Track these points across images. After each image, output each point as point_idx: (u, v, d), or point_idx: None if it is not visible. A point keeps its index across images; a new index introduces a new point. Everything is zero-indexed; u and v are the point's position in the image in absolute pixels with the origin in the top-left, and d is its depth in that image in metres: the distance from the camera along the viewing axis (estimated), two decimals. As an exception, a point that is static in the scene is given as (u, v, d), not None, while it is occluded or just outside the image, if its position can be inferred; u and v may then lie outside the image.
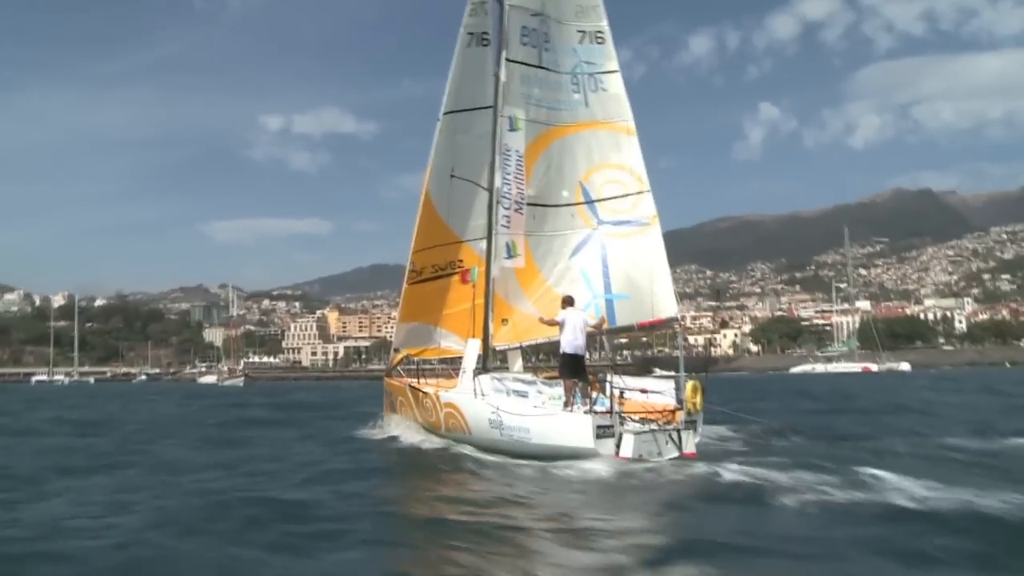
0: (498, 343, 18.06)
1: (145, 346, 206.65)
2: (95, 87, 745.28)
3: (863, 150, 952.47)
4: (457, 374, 18.09)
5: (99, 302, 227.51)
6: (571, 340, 15.69)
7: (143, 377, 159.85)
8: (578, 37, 18.33)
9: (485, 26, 18.53)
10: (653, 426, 15.18)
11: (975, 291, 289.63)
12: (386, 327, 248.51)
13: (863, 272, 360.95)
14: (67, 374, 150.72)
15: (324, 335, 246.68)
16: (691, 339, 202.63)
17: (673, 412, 15.67)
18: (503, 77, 17.96)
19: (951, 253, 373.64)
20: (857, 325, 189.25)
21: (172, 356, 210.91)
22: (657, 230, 17.82)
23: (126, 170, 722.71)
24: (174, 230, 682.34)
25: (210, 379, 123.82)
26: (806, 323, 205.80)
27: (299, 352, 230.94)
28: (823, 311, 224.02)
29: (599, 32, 18.41)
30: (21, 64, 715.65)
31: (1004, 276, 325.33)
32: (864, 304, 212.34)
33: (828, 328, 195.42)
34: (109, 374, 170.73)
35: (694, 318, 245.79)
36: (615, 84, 18.41)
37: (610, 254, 17.93)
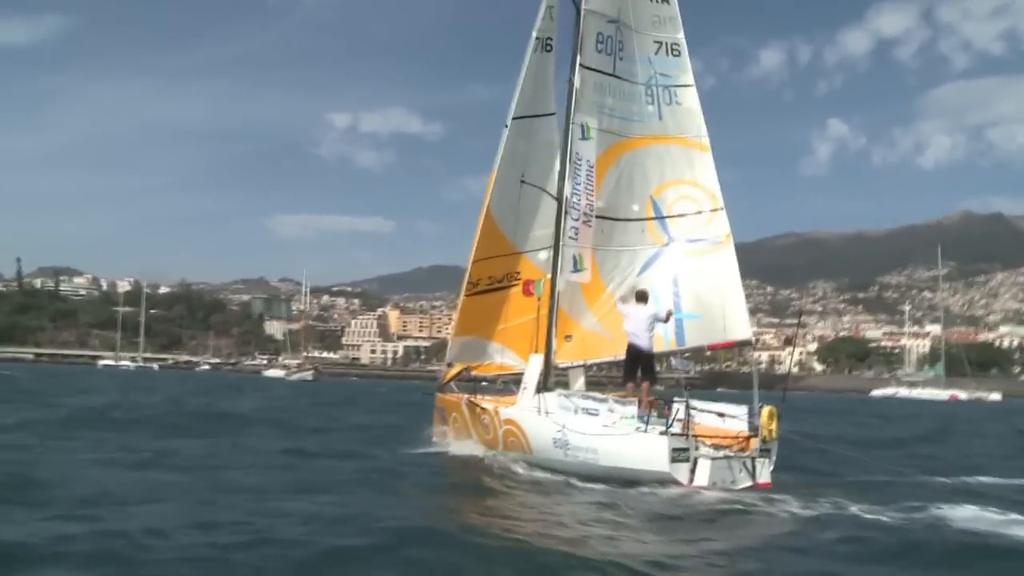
0: (560, 360, 17.40)
1: (207, 335, 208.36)
2: (170, 80, 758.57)
3: (933, 171, 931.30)
4: (514, 392, 17.33)
5: (163, 290, 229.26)
6: (639, 335, 15.40)
7: (206, 367, 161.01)
8: (654, 48, 17.66)
9: (551, 31, 18.01)
10: (728, 452, 14.52)
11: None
12: (446, 328, 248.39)
13: (928, 295, 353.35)
14: (132, 359, 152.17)
15: (384, 333, 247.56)
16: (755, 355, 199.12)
17: (748, 439, 14.94)
18: (577, 83, 17.38)
19: (1022, 280, 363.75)
20: (928, 349, 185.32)
21: (233, 347, 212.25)
22: (731, 249, 17.15)
23: (195, 162, 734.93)
24: (238, 222, 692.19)
25: (276, 372, 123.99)
26: (873, 344, 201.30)
27: (359, 349, 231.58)
28: (891, 333, 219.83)
29: (675, 44, 17.71)
30: (100, 54, 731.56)
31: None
32: (935, 328, 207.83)
33: (897, 351, 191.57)
34: (171, 361, 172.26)
35: (756, 334, 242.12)
36: (690, 98, 17.74)
37: (680, 272, 17.27)
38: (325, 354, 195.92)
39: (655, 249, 17.64)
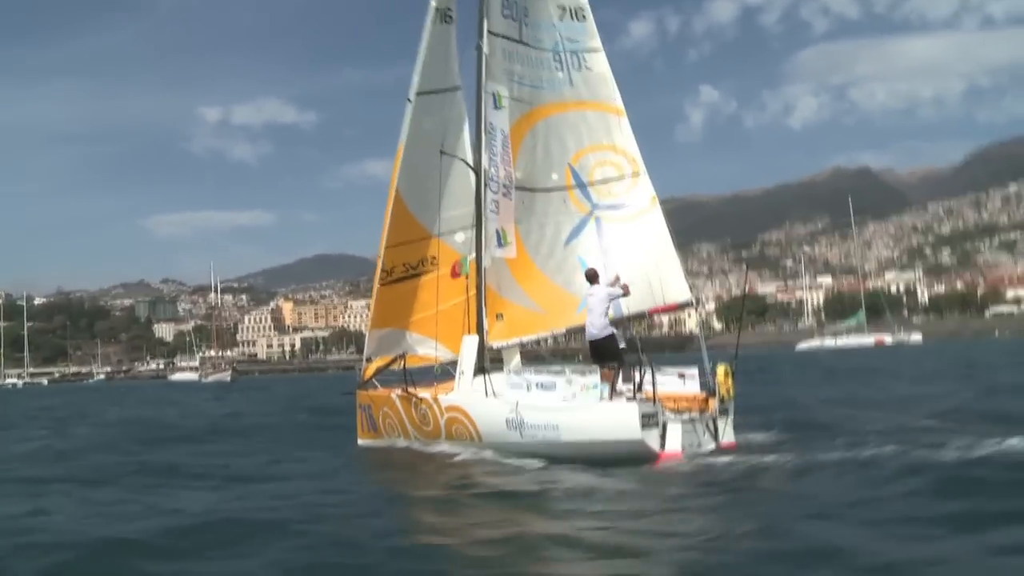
0: (494, 340, 16.53)
1: (92, 344, 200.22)
2: (29, 79, 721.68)
3: (801, 130, 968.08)
4: (448, 380, 16.26)
5: (39, 300, 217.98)
6: (592, 322, 14.62)
7: (100, 376, 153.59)
8: (558, 13, 17.00)
9: (449, 2, 17.02)
10: (692, 415, 14.07)
11: (918, 265, 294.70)
12: (342, 317, 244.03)
13: (807, 249, 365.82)
14: (19, 376, 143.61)
15: (279, 327, 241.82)
16: (657, 319, 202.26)
17: (706, 399, 14.51)
18: (486, 50, 16.58)
19: (892, 229, 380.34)
20: (822, 301, 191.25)
21: (122, 353, 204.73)
22: (659, 212, 16.77)
23: (61, 165, 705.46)
24: (112, 225, 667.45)
25: (186, 376, 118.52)
26: (771, 301, 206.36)
27: (254, 344, 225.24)
28: (783, 287, 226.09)
29: (580, 8, 17.09)
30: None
31: (945, 249, 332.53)
32: (825, 280, 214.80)
33: (793, 304, 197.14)
34: (57, 375, 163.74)
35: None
36: (600, 63, 17.19)
37: (609, 240, 16.80)
38: (225, 353, 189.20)
39: (580, 218, 17.07)
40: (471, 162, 17.14)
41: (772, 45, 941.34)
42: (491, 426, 14.50)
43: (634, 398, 13.44)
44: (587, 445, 13.15)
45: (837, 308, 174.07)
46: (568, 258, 16.92)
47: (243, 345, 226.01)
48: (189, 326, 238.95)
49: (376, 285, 17.61)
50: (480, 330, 16.30)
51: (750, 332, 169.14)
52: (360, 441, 17.65)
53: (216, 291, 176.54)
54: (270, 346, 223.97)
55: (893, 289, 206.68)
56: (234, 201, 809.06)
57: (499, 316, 16.49)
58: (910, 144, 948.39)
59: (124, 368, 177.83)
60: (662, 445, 13.09)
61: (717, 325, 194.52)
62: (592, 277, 15.16)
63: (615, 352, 14.54)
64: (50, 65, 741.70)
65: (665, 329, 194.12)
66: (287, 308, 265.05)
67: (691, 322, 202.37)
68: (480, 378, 15.17)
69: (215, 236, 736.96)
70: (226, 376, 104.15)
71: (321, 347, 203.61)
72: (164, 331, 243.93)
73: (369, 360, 17.97)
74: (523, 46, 16.93)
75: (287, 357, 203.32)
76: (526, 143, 17.02)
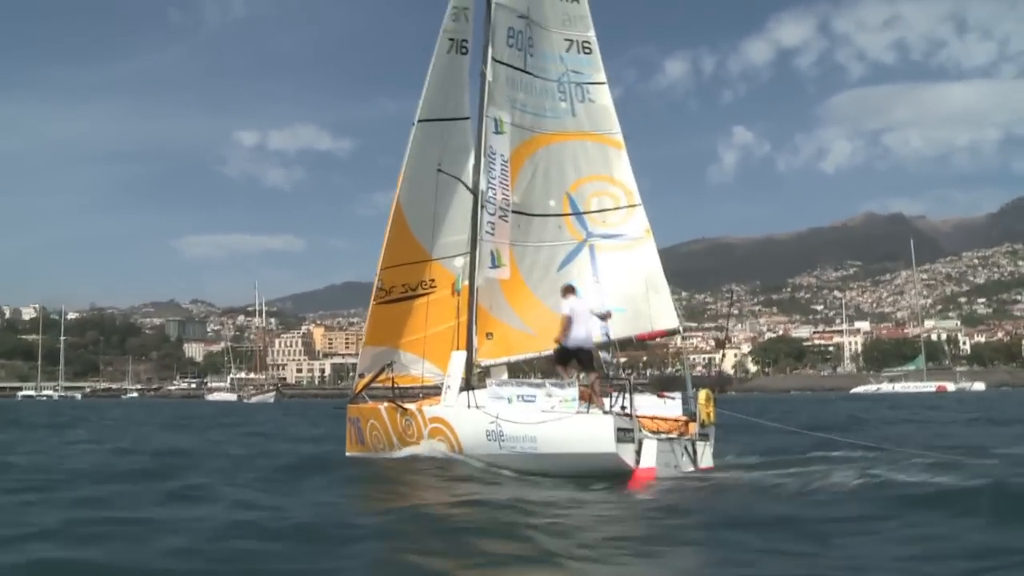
0: (483, 358, 16.88)
1: (124, 361, 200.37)
2: (69, 99, 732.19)
3: (834, 175, 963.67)
4: (436, 396, 16.66)
5: (72, 315, 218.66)
6: (582, 333, 15.07)
7: (133, 393, 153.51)
8: (565, 46, 17.70)
9: (466, 33, 17.65)
10: (670, 436, 14.36)
11: (951, 314, 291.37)
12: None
13: (838, 295, 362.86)
14: (53, 389, 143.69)
15: (309, 351, 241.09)
16: (692, 358, 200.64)
17: (686, 423, 14.91)
18: (489, 77, 17.12)
19: (925, 277, 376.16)
20: (860, 346, 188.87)
21: (152, 371, 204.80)
22: (652, 244, 17.38)
23: (98, 183, 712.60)
24: (144, 244, 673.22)
25: (224, 396, 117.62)
26: (807, 343, 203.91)
27: (284, 368, 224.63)
28: (822, 331, 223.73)
29: (586, 42, 17.80)
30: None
31: (980, 300, 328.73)
32: (863, 325, 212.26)
33: (831, 348, 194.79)
34: (89, 389, 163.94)
35: (685, 338, 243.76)
36: (603, 95, 17.91)
37: (601, 267, 17.35)
38: (251, 375, 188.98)
39: (574, 244, 17.55)
40: (469, 183, 17.46)
41: (807, 88, 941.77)
42: (471, 437, 14.83)
43: (609, 412, 13.68)
44: (563, 457, 13.49)
45: (875, 354, 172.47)
46: (559, 282, 17.02)
47: (273, 368, 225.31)
48: (219, 347, 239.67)
49: (372, 303, 17.94)
50: (469, 347, 16.64)
51: (788, 375, 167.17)
52: (348, 453, 17.85)
53: (260, 312, 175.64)
54: (299, 370, 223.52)
55: (934, 337, 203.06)
56: (266, 225, 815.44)
57: (489, 335, 16.77)
58: (944, 192, 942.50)
59: (155, 386, 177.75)
60: (637, 461, 13.28)
61: (752, 367, 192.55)
62: (570, 290, 15.59)
63: (593, 362, 15.23)
64: (93, 85, 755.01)
65: (700, 369, 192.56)
66: (318, 333, 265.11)
67: (726, 362, 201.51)
68: (465, 393, 15.52)
69: (245, 259, 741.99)
70: (270, 397, 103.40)
71: (351, 374, 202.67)
72: (194, 351, 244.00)
73: (361, 376, 18.30)
74: (527, 75, 17.45)
75: (316, 382, 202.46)
76: (525, 169, 17.46)
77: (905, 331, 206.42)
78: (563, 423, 13.57)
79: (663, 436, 14.16)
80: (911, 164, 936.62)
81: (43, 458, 18.25)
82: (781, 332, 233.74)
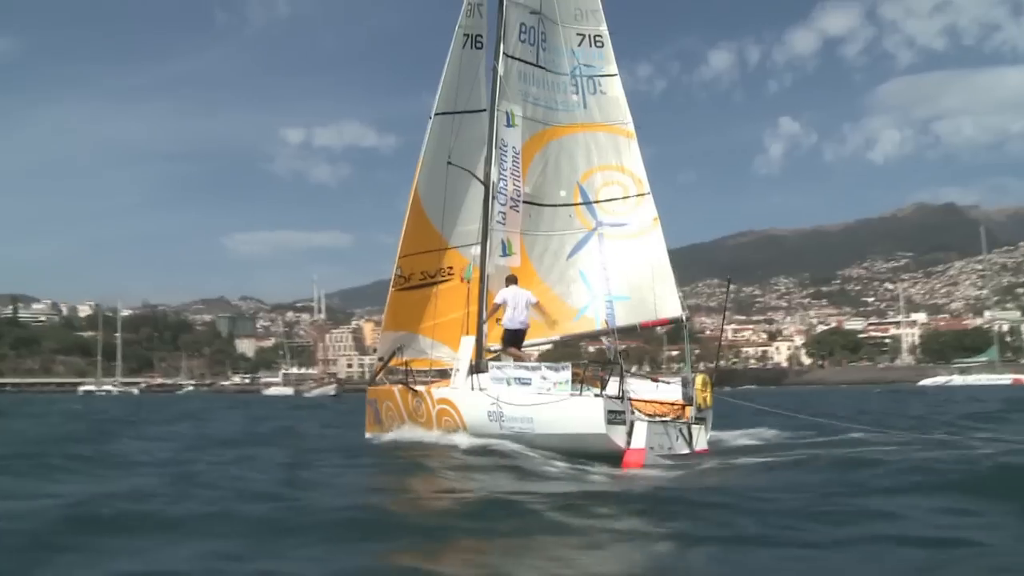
0: (492, 343, 17.52)
1: (176, 356, 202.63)
2: (121, 100, 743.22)
3: (883, 165, 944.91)
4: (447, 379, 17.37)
5: (125, 312, 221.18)
6: (513, 316, 16.15)
7: (189, 388, 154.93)
8: (577, 40, 18.27)
9: (480, 28, 18.13)
10: (666, 419, 15.01)
11: (1009, 305, 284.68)
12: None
13: (889, 287, 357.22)
14: (112, 384, 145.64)
15: (360, 346, 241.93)
16: (744, 351, 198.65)
17: (683, 407, 15.58)
18: (501, 72, 17.73)
19: (979, 267, 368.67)
20: (917, 338, 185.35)
21: (205, 367, 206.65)
22: (659, 232, 17.76)
23: (147, 182, 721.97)
24: (193, 242, 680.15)
25: (280, 391, 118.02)
26: (862, 335, 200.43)
27: (335, 364, 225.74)
28: (877, 323, 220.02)
29: (598, 36, 18.35)
30: (48, 78, 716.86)
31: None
32: (920, 316, 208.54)
33: (887, 340, 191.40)
34: (144, 384, 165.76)
35: (736, 330, 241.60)
36: (614, 87, 18.37)
37: (609, 255, 17.85)
38: (303, 370, 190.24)
39: (583, 233, 18.11)
40: (480, 175, 18.01)
41: (854, 77, 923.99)
42: (475, 418, 15.48)
43: (601, 395, 14.19)
44: (557, 438, 14.12)
45: (935, 347, 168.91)
46: (568, 270, 18.02)
47: (323, 364, 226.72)
48: (269, 343, 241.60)
49: (391, 289, 18.49)
50: (479, 332, 17.28)
51: (845, 368, 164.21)
52: (367, 434, 18.58)
53: (320, 308, 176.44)
54: (350, 365, 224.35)
55: (996, 328, 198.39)
56: (313, 222, 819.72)
57: (499, 321, 17.13)
58: (998, 180, 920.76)
59: (208, 381, 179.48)
60: (628, 442, 13.83)
61: (805, 360, 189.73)
62: (513, 280, 16.70)
63: (522, 340, 16.47)
64: (141, 87, 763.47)
65: (752, 362, 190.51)
66: (367, 328, 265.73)
67: (779, 355, 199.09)
68: (471, 376, 16.19)
69: (293, 255, 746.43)
70: (330, 390, 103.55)
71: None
72: (245, 347, 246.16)
73: (381, 359, 19.07)
74: (539, 69, 18.10)
75: (367, 376, 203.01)
76: (537, 160, 18.10)
77: (964, 322, 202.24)
78: (558, 405, 14.22)
79: (657, 419, 14.76)
80: (963, 152, 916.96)
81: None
82: (832, 325, 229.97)
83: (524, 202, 17.81)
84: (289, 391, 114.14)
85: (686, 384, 15.85)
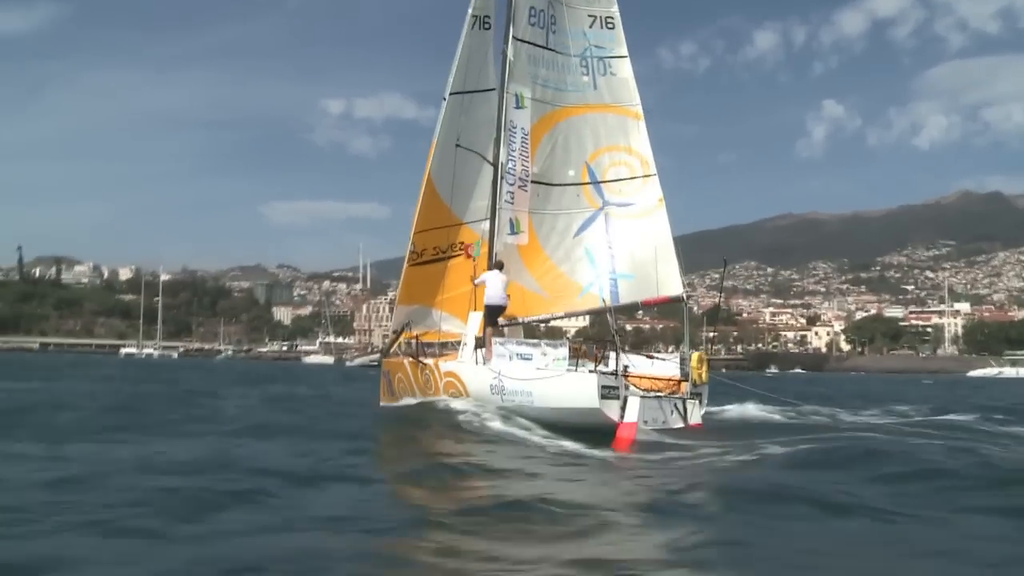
0: (499, 318, 17.86)
1: (215, 322, 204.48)
2: (163, 68, 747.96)
3: (929, 151, 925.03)
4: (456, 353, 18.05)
5: (164, 277, 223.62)
6: (493, 294, 17.04)
7: (228, 353, 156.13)
8: (588, 21, 18.57)
9: (488, 9, 18.51)
10: (659, 394, 15.51)
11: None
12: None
13: (930, 275, 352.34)
14: (154, 348, 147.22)
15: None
16: (783, 335, 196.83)
17: (679, 382, 16.03)
18: (510, 55, 18.09)
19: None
20: (960, 329, 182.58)
21: (242, 333, 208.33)
22: (663, 213, 18.13)
23: (188, 150, 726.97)
24: (232, 209, 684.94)
25: (321, 359, 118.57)
26: (903, 323, 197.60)
27: (371, 334, 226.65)
28: (920, 311, 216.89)
29: (609, 17, 18.65)
30: (93, 43, 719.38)
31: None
32: (964, 306, 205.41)
33: (929, 329, 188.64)
34: (182, 349, 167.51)
35: (774, 314, 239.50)
36: (624, 69, 18.67)
37: (615, 234, 18.27)
38: (340, 339, 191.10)
39: (590, 212, 18.51)
40: (489, 156, 18.49)
41: (902, 60, 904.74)
42: (479, 390, 16.18)
43: (595, 371, 14.96)
44: (554, 411, 14.75)
45: (979, 337, 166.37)
46: (575, 248, 18.47)
47: (359, 334, 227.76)
48: (305, 311, 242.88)
49: (406, 265, 19.08)
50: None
51: (885, 356, 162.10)
52: (381, 403, 19.44)
53: (364, 279, 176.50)
54: (386, 336, 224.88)
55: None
56: (351, 192, 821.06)
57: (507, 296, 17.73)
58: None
59: (246, 348, 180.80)
60: (622, 416, 14.42)
61: (844, 346, 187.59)
62: (500, 266, 17.56)
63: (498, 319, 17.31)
64: (186, 55, 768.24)
65: (791, 346, 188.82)
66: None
67: (818, 340, 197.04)
68: (477, 351, 16.83)
69: (330, 225, 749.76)
70: (374, 359, 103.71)
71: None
72: (282, 314, 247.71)
73: (395, 332, 19.84)
74: (549, 51, 18.49)
75: (402, 347, 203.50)
76: (546, 141, 18.50)
77: (1009, 314, 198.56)
78: (555, 380, 14.93)
79: (652, 394, 15.28)
80: (1013, 140, 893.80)
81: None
82: (870, 311, 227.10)
83: (533, 182, 18.20)
84: (330, 360, 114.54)
85: (683, 361, 16.30)
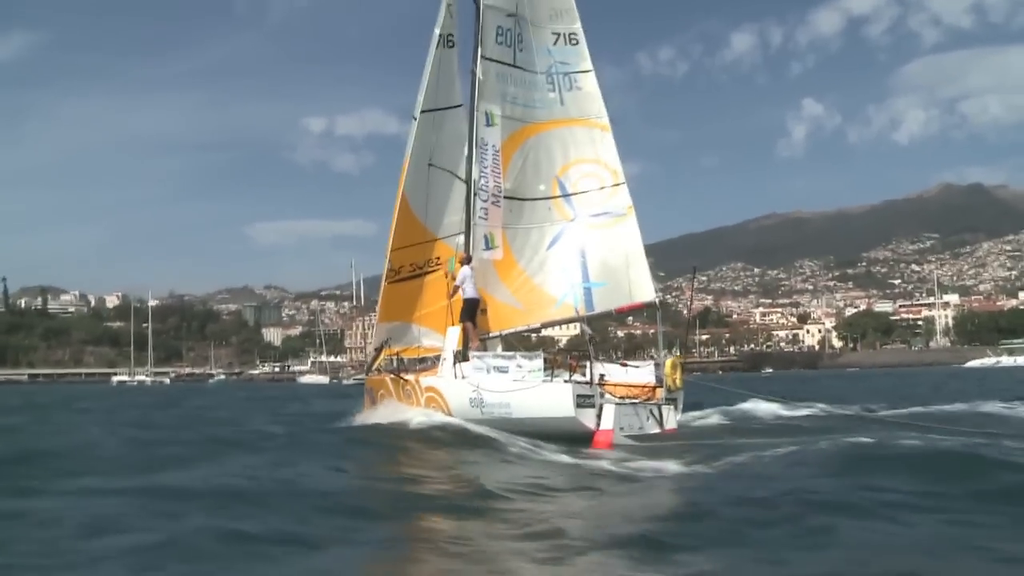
0: (478, 332, 18.32)
1: (205, 346, 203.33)
2: (142, 92, 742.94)
3: (908, 145, 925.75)
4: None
5: (152, 303, 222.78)
6: (472, 288, 17.56)
7: (221, 377, 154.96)
8: (552, 39, 19.00)
9: (451, 28, 19.01)
10: (634, 400, 16.01)
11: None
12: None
13: (916, 268, 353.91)
14: (145, 374, 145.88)
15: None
16: (776, 335, 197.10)
17: (654, 389, 16.50)
18: (479, 74, 18.53)
19: (1008, 248, 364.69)
20: (951, 320, 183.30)
21: (233, 356, 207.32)
22: (633, 220, 18.58)
23: (170, 173, 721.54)
24: (217, 232, 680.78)
25: (316, 379, 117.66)
26: (894, 318, 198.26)
27: (363, 352, 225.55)
28: (910, 305, 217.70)
29: (573, 34, 19.11)
30: (70, 69, 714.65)
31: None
32: (952, 298, 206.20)
33: (920, 322, 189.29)
34: (173, 374, 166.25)
35: (764, 314, 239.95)
36: (589, 83, 19.16)
37: (587, 244, 18.67)
38: (332, 358, 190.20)
39: (562, 225, 18.95)
40: (461, 174, 18.96)
41: (878, 57, 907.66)
42: (458, 404, 16.50)
43: (570, 380, 15.46)
44: (532, 421, 15.13)
45: (969, 328, 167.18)
46: (548, 261, 18.86)
47: (352, 352, 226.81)
48: (295, 331, 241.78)
49: (384, 283, 19.52)
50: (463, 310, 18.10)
51: (879, 351, 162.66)
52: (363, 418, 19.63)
53: (358, 296, 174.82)
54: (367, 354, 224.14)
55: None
56: (336, 210, 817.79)
57: (483, 310, 18.23)
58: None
59: (236, 371, 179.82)
60: (598, 424, 15.01)
61: (837, 343, 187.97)
62: (468, 260, 18.00)
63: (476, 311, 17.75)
64: (164, 78, 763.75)
65: (783, 345, 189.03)
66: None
67: (810, 338, 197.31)
68: (457, 365, 17.12)
69: (316, 244, 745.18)
70: None
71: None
72: (272, 335, 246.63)
73: (377, 350, 19.97)
74: (517, 69, 18.89)
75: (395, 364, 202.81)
76: (516, 157, 18.92)
77: (998, 303, 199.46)
78: (531, 391, 15.35)
79: (627, 401, 15.82)
80: (990, 132, 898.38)
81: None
82: (860, 307, 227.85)
83: (505, 197, 18.61)
84: (324, 379, 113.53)
85: (658, 366, 16.78)
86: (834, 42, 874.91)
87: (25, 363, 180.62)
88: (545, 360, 16.03)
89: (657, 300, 18.51)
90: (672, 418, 16.23)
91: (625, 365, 17.62)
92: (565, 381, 15.42)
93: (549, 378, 15.67)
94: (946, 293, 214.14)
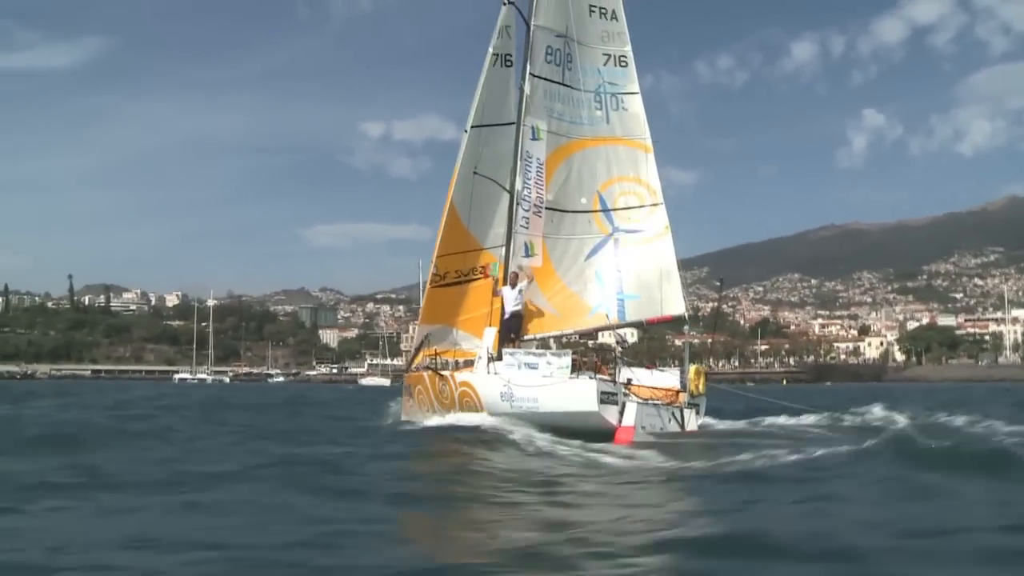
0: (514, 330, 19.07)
1: (262, 346, 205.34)
2: (206, 95, 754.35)
3: (973, 157, 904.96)
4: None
5: (211, 302, 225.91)
6: (507, 307, 18.66)
7: (280, 378, 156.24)
8: (603, 60, 19.86)
9: (509, 48, 19.78)
10: (658, 402, 16.71)
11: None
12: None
13: (979, 282, 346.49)
14: (206, 373, 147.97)
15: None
16: (836, 347, 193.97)
17: (677, 393, 17.35)
18: (527, 90, 19.40)
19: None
20: (1021, 336, 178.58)
21: (290, 357, 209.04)
22: (669, 239, 19.52)
23: (231, 176, 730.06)
24: (274, 234, 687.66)
25: (378, 381, 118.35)
26: (959, 332, 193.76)
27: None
28: (976, 319, 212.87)
29: (623, 56, 19.97)
30: (138, 73, 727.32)
31: None
32: (1021, 313, 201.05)
33: (987, 337, 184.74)
34: (232, 373, 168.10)
35: (823, 326, 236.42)
36: (636, 104, 20.01)
37: (624, 258, 19.51)
38: (386, 361, 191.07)
39: (601, 238, 19.82)
40: (506, 185, 19.72)
41: (943, 67, 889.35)
42: (490, 398, 17.33)
43: (594, 377, 16.35)
44: (558, 416, 15.92)
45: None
46: (586, 271, 19.75)
47: (406, 355, 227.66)
48: (351, 333, 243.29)
49: (428, 286, 20.41)
50: (501, 325, 19.00)
51: (945, 365, 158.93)
52: (403, 416, 20.63)
53: (421, 292, 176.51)
54: (407, 351, 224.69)
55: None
56: (392, 214, 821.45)
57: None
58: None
59: (293, 371, 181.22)
60: (620, 420, 15.80)
61: (899, 356, 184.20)
62: (512, 281, 18.95)
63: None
64: (226, 82, 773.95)
65: (843, 357, 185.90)
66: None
67: (871, 350, 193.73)
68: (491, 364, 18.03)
69: (372, 248, 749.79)
70: None
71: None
72: (328, 337, 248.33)
73: (417, 350, 20.85)
74: (564, 87, 19.81)
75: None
76: (561, 170, 19.81)
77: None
78: (558, 387, 16.20)
79: (651, 402, 16.52)
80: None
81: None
82: (922, 321, 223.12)
83: (547, 208, 19.50)
84: (386, 382, 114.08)
85: (683, 373, 17.72)
86: (897, 51, 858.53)
87: (88, 359, 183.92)
88: (573, 361, 16.92)
89: (686, 314, 19.36)
90: (694, 421, 17.01)
91: (651, 368, 18.60)
92: (590, 378, 16.27)
93: (576, 376, 16.48)
94: (1014, 308, 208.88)
